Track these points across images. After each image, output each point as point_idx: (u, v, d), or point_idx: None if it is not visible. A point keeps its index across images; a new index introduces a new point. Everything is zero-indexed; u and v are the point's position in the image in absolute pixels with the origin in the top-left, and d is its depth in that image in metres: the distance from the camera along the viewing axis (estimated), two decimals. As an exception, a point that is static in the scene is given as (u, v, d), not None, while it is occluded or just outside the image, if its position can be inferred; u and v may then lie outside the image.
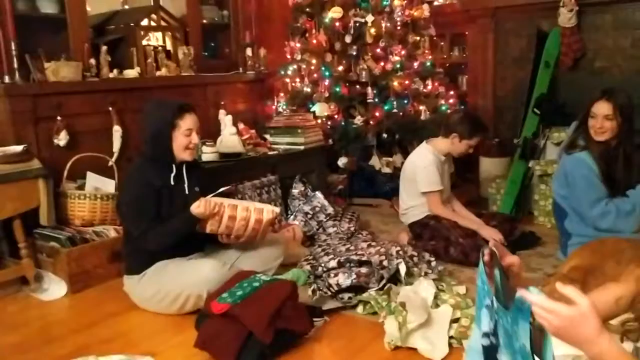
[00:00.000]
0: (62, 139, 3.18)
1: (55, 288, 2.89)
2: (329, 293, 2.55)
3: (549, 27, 4.23)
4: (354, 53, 4.24)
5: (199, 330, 2.25)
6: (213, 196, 2.56)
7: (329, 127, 4.25)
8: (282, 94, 4.61)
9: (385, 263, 2.65)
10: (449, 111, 4.25)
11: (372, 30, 4.18)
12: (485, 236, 3.15)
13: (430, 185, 3.27)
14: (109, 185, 3.22)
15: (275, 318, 2.14)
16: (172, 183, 2.62)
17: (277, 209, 2.77)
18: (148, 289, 2.56)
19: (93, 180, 3.20)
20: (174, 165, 2.63)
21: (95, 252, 2.98)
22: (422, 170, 3.28)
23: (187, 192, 2.66)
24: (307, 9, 4.41)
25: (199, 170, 2.91)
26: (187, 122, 2.57)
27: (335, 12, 4.19)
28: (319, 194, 3.82)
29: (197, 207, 2.45)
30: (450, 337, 2.17)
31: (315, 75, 4.35)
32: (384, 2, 4.24)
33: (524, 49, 4.51)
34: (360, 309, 2.51)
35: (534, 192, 3.91)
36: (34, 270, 2.92)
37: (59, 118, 3.18)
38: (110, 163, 3.33)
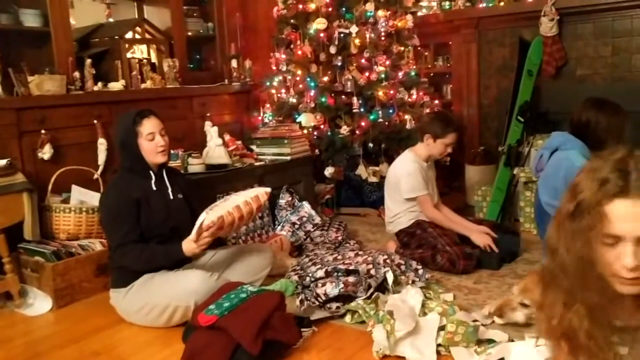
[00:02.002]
0: (46, 153, 3.16)
1: (40, 303, 2.86)
2: (317, 303, 2.55)
3: (531, 36, 4.28)
4: (339, 64, 4.26)
5: (186, 343, 2.24)
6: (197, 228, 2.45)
7: (315, 137, 4.26)
8: (267, 105, 4.62)
9: (372, 272, 2.66)
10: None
11: (357, 41, 4.21)
12: (476, 242, 3.17)
13: (414, 191, 3.29)
14: (94, 199, 3.19)
15: (263, 329, 2.13)
16: (154, 188, 2.63)
17: (268, 189, 2.79)
18: (135, 302, 2.54)
19: (78, 194, 3.18)
20: (151, 172, 2.64)
21: (81, 266, 2.95)
22: (405, 177, 3.30)
23: (171, 197, 2.67)
24: (292, 21, 4.43)
25: (182, 177, 2.93)
26: (146, 127, 2.58)
27: (319, 24, 4.21)
28: (306, 204, 3.82)
29: (195, 247, 2.45)
30: (438, 345, 2.18)
31: (300, 86, 4.36)
32: (368, 13, 4.26)
33: (507, 57, 4.56)
34: (348, 318, 2.51)
35: (519, 199, 3.94)
36: (19, 286, 2.88)
37: (43, 131, 3.17)
38: (95, 176, 3.32)
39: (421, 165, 3.34)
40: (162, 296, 2.47)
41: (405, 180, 3.30)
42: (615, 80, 4.11)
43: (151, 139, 2.58)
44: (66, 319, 2.76)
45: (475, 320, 2.30)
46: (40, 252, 2.91)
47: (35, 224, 2.95)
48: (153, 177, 2.64)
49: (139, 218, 2.54)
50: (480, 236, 3.19)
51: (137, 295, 2.54)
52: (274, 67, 4.58)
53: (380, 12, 4.27)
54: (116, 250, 2.52)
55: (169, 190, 2.68)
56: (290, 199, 3.89)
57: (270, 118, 4.52)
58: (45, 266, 2.85)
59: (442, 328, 2.21)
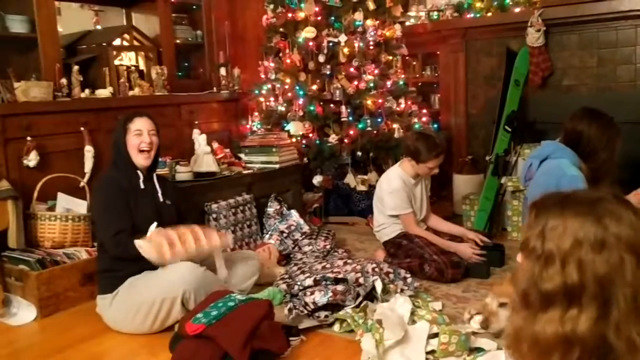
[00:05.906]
0: (32, 160, 3.13)
1: (24, 312, 2.81)
2: (305, 312, 2.53)
3: (518, 46, 4.33)
4: (328, 72, 4.27)
5: (173, 353, 2.21)
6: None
7: (303, 145, 4.26)
8: (256, 113, 4.62)
9: (361, 280, 2.65)
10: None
11: (345, 50, 4.22)
12: (463, 256, 3.18)
13: (396, 209, 3.31)
14: (80, 206, 3.17)
15: (251, 338, 2.11)
16: (142, 187, 2.64)
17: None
18: (121, 307, 2.51)
19: (64, 201, 3.15)
20: (139, 172, 2.65)
21: (66, 275, 2.91)
22: (387, 195, 3.33)
23: (161, 199, 2.69)
24: (281, 29, 4.44)
25: (171, 185, 2.94)
26: (137, 124, 2.63)
27: (308, 32, 4.22)
28: (294, 213, 3.81)
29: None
30: (428, 353, 2.17)
31: (289, 94, 4.36)
32: (357, 23, 4.28)
33: (494, 67, 4.60)
34: (336, 327, 2.50)
35: (506, 208, 3.96)
36: (2, 295, 2.83)
37: (28, 138, 3.13)
38: (81, 184, 3.28)
39: (407, 181, 3.35)
40: (149, 291, 2.44)
41: (388, 197, 3.32)
42: (600, 91, 4.15)
43: (138, 134, 2.62)
44: (51, 328, 2.72)
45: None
46: (25, 260, 2.87)
47: (19, 232, 2.91)
48: (141, 176, 2.67)
49: (130, 209, 2.54)
50: (466, 249, 3.20)
51: (123, 298, 2.51)
52: (263, 76, 4.58)
53: (369, 22, 4.29)
54: (112, 239, 2.47)
55: (159, 194, 2.70)
56: (278, 207, 3.87)
57: (259, 126, 4.52)
58: (30, 275, 2.80)
59: (432, 336, 2.20)
